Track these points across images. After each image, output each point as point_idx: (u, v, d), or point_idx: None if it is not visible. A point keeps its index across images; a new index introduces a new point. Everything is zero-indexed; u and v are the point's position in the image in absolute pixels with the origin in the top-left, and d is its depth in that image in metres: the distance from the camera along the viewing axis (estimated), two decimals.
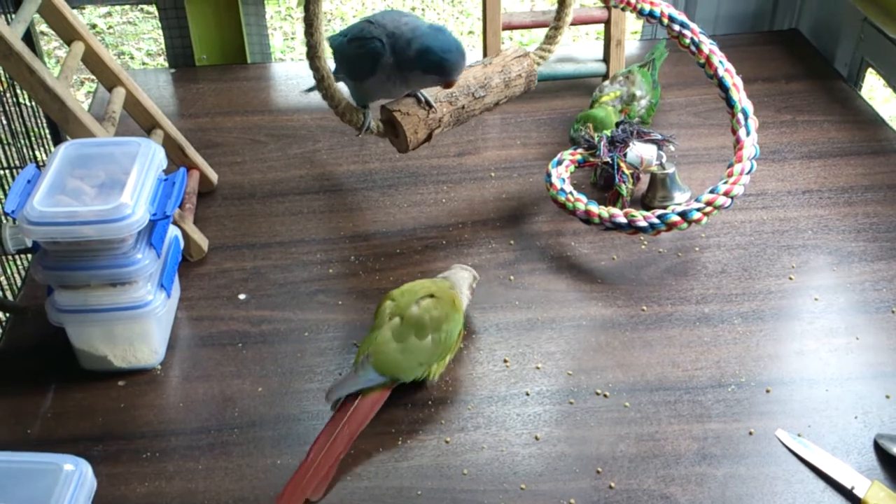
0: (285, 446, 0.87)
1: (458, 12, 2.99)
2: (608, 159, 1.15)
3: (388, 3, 2.94)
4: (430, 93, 1.11)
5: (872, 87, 2.29)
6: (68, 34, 1.10)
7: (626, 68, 1.32)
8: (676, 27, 1.16)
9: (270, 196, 1.22)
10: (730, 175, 1.06)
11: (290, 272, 1.08)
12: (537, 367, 0.95)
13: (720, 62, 1.13)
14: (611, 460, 0.85)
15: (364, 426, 0.85)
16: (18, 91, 1.37)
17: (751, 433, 0.87)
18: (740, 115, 1.10)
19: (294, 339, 0.99)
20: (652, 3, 1.18)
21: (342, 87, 1.12)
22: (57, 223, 0.85)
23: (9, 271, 1.25)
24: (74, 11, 1.11)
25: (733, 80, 1.12)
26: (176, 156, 1.18)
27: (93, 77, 1.19)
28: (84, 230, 0.85)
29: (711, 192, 1.05)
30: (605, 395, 0.91)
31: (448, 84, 1.04)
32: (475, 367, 0.95)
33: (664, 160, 1.16)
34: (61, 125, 1.01)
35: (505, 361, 0.96)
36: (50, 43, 2.68)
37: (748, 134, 1.08)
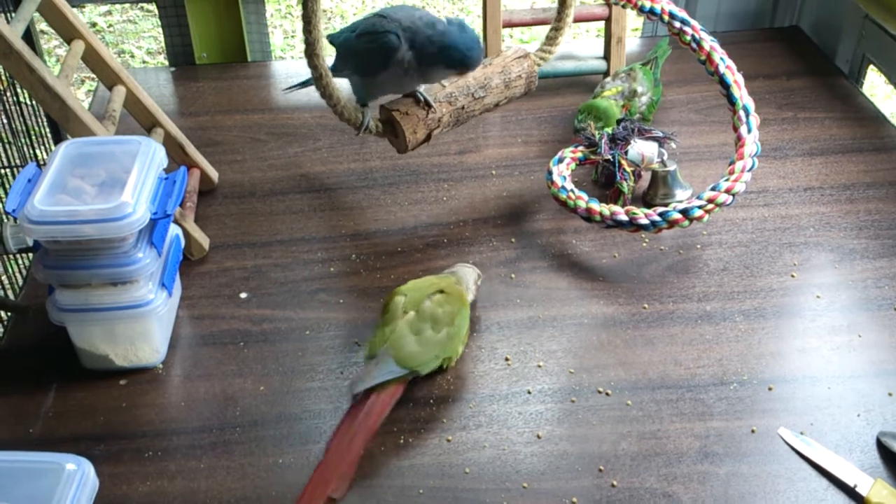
0: (287, 445, 0.87)
1: (458, 9, 2.99)
2: (609, 157, 1.14)
3: (388, 0, 2.94)
4: (430, 93, 1.11)
5: (874, 84, 2.29)
6: (68, 33, 1.10)
7: (627, 66, 1.32)
8: (677, 24, 1.16)
9: (271, 194, 1.22)
10: (731, 172, 1.06)
11: (291, 271, 1.08)
12: (539, 366, 0.95)
13: (721, 59, 1.13)
14: (613, 459, 0.85)
15: (381, 421, 0.85)
16: (19, 90, 1.37)
17: (753, 431, 0.87)
18: (741, 113, 1.09)
19: (295, 338, 0.99)
20: (653, 0, 1.18)
21: (341, 86, 1.11)
22: (58, 222, 0.84)
23: (10, 270, 1.25)
24: (74, 10, 1.11)
25: (734, 77, 1.11)
26: (176, 154, 1.18)
27: (93, 76, 1.18)
28: (85, 229, 0.85)
29: (713, 189, 1.05)
30: (606, 394, 0.91)
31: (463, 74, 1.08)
32: (477, 365, 0.95)
33: (665, 157, 1.16)
34: (62, 124, 1.01)
35: (506, 360, 0.95)
36: (50, 41, 2.68)
37: (749, 131, 1.08)
